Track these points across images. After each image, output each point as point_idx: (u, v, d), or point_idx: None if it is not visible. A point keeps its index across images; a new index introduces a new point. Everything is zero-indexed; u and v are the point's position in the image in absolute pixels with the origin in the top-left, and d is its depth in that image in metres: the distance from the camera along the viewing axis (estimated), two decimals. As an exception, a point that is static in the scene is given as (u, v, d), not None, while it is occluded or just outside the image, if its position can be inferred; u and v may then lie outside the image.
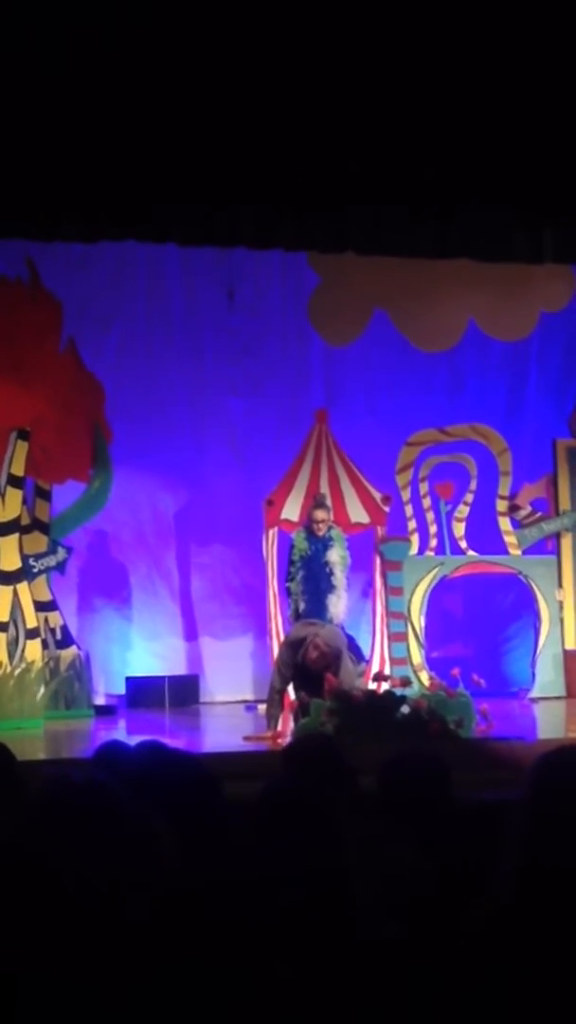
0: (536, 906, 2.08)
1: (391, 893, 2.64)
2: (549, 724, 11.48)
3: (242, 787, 3.93)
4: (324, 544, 11.57)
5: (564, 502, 13.50)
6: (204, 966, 1.66)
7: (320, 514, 11.64)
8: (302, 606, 11.47)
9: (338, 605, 11.54)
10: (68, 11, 8.98)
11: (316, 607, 11.37)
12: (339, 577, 11.55)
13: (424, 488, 13.18)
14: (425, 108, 9.69)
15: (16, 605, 12.25)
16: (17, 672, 11.98)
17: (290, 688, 10.49)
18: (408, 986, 2.17)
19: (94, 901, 1.60)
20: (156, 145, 9.37)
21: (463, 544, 13.16)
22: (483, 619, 14.10)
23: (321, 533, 11.56)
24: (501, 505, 13.36)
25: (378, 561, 12.89)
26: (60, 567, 12.92)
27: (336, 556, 11.57)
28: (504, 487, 13.37)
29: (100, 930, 1.62)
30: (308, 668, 10.09)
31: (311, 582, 11.49)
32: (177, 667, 13.65)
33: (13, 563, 12.27)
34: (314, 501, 11.99)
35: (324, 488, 12.69)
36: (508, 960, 2.06)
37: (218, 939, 1.71)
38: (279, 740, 9.94)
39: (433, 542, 13.12)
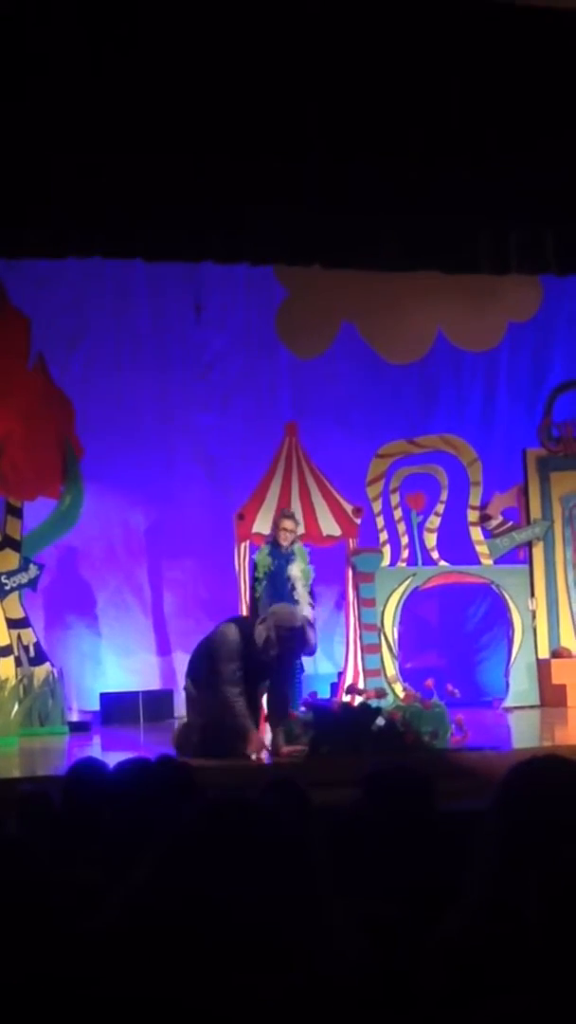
0: (506, 915, 2.09)
1: (364, 907, 2.64)
2: (523, 733, 11.50)
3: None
4: (286, 559, 11.54)
5: (535, 511, 13.53)
6: (180, 981, 1.65)
7: (288, 523, 11.63)
8: None
9: None
10: (30, 29, 8.98)
11: None
12: (301, 592, 11.52)
13: (395, 499, 13.18)
14: (389, 119, 9.71)
15: (-12, 623, 12.24)
16: (-10, 690, 11.95)
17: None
18: (381, 998, 2.16)
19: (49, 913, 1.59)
20: (121, 159, 9.36)
21: (435, 555, 13.17)
22: (456, 629, 14.11)
23: (286, 543, 11.51)
24: (472, 515, 13.38)
25: (350, 573, 12.89)
26: (32, 584, 12.89)
27: (297, 570, 11.54)
28: (475, 497, 13.39)
29: (61, 944, 1.61)
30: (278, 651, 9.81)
31: (275, 598, 11.47)
32: (151, 682, 13.61)
33: (-15, 581, 12.27)
34: (281, 513, 11.96)
35: (295, 501, 12.70)
36: (479, 970, 2.06)
37: (192, 955, 1.71)
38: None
39: (405, 553, 13.13)
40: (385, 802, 3.59)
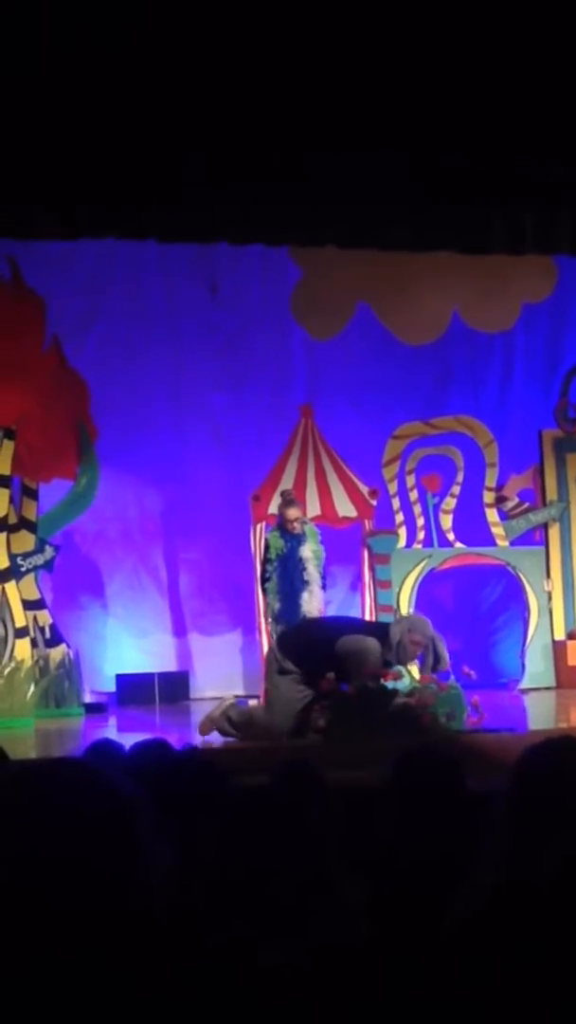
0: (520, 896, 2.09)
1: (377, 888, 2.64)
2: (539, 715, 11.49)
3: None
4: (298, 540, 11.51)
5: (551, 492, 13.52)
6: (194, 961, 1.65)
7: (292, 512, 11.55)
8: (277, 605, 11.41)
9: (311, 602, 11.47)
10: (40, 9, 8.95)
11: (290, 605, 11.31)
12: (312, 572, 11.49)
13: (411, 481, 13.18)
14: (402, 100, 9.67)
15: (4, 604, 12.26)
16: (7, 671, 11.98)
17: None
18: (394, 976, 2.16)
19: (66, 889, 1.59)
20: (134, 141, 9.34)
21: (451, 536, 13.17)
22: (472, 611, 14.10)
23: (296, 531, 11.49)
24: (488, 497, 13.36)
25: (366, 554, 12.89)
26: (48, 565, 12.91)
27: (308, 551, 11.51)
28: (491, 478, 13.38)
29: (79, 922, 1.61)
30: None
31: (286, 580, 11.44)
32: (167, 663, 13.64)
33: (1, 562, 12.28)
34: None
35: (311, 482, 12.69)
36: (492, 951, 2.06)
37: (208, 934, 1.71)
38: None
39: (421, 535, 13.13)
40: (415, 782, 3.58)
